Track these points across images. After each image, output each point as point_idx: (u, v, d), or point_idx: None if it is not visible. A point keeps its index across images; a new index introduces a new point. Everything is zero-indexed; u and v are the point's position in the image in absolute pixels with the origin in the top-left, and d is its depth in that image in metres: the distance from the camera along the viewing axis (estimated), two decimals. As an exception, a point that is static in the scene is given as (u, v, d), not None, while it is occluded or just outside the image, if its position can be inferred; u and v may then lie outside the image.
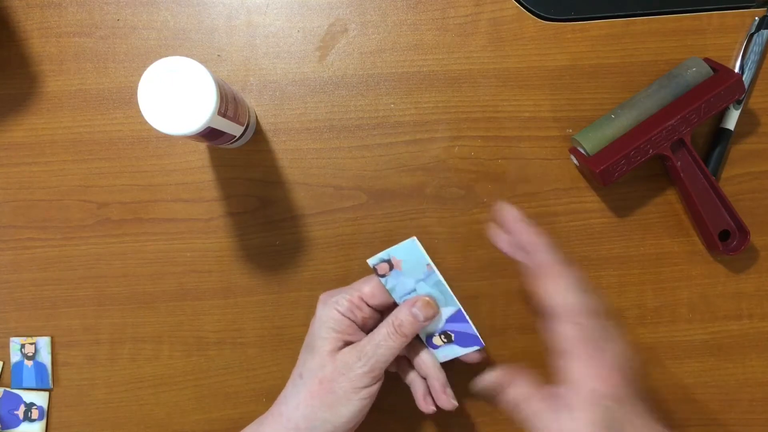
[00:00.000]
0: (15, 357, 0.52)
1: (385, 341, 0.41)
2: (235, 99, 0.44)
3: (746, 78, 0.51)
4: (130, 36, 0.52)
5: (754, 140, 0.52)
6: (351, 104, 0.52)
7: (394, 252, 0.41)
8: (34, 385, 0.52)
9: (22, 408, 0.52)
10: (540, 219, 0.52)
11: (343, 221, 0.52)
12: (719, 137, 0.52)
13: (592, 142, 0.49)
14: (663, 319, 0.53)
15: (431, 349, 0.45)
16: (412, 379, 0.46)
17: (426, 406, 0.45)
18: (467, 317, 0.43)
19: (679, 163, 0.50)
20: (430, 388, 0.45)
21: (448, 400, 0.44)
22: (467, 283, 0.52)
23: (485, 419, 0.52)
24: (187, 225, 0.52)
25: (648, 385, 0.53)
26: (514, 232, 0.42)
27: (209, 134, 0.42)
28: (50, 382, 0.52)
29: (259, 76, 0.52)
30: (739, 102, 0.51)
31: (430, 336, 0.45)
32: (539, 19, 0.52)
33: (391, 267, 0.42)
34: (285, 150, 0.52)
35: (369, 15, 0.52)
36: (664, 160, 0.50)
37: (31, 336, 0.52)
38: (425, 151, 0.52)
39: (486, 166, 0.52)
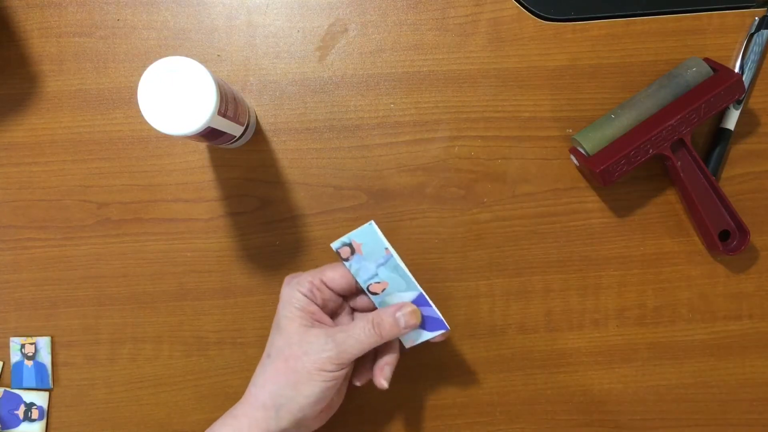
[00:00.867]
0: (15, 357, 0.52)
1: (358, 334, 0.41)
2: (235, 99, 0.44)
3: (746, 78, 0.51)
4: (130, 36, 0.52)
5: (754, 140, 0.52)
6: (351, 104, 0.52)
7: (354, 236, 0.42)
8: (34, 385, 0.52)
9: (22, 408, 0.52)
10: (540, 219, 0.52)
11: (343, 221, 0.52)
12: (719, 137, 0.52)
13: (592, 142, 0.49)
14: (663, 319, 0.53)
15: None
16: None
17: (377, 379, 0.45)
18: (430, 301, 0.43)
19: (679, 163, 0.50)
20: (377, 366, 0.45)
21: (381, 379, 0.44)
22: (467, 283, 0.52)
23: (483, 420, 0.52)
24: (187, 225, 0.52)
25: (648, 385, 0.53)
26: None
27: (209, 134, 0.42)
28: (50, 382, 0.52)
29: (259, 76, 0.52)
30: (739, 102, 0.51)
31: None
32: (539, 19, 0.52)
33: (353, 251, 0.43)
34: (285, 150, 0.52)
35: (369, 15, 0.52)
36: (664, 160, 0.50)
37: (31, 336, 0.52)
38: (425, 151, 0.52)
39: (486, 166, 0.52)
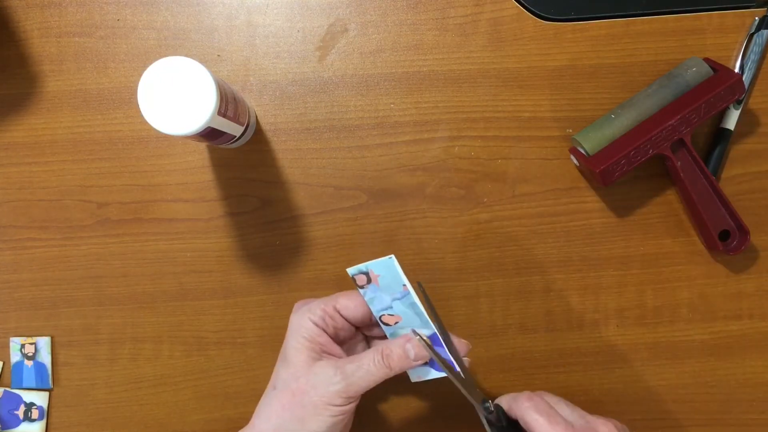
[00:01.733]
0: (15, 357, 0.52)
1: (367, 366, 0.40)
2: (235, 99, 0.44)
3: (746, 78, 0.51)
4: (130, 36, 0.52)
5: (754, 140, 0.52)
6: (351, 104, 0.52)
7: (373, 266, 0.40)
8: (34, 385, 0.52)
9: (22, 408, 0.52)
10: (540, 219, 0.52)
11: (343, 221, 0.52)
12: (719, 137, 0.52)
13: (592, 142, 0.49)
14: (663, 319, 0.53)
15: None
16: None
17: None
18: (443, 342, 0.41)
19: (679, 163, 0.50)
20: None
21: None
22: (467, 283, 0.52)
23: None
24: (187, 225, 0.52)
25: (648, 385, 0.53)
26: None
27: (209, 134, 0.42)
28: (50, 382, 0.52)
29: (259, 76, 0.52)
30: (739, 102, 0.51)
31: None
32: (539, 19, 0.52)
33: (369, 280, 0.41)
34: (285, 150, 0.52)
35: (369, 15, 0.52)
36: (664, 160, 0.50)
37: (31, 336, 0.52)
38: (425, 151, 0.52)
39: (486, 166, 0.52)
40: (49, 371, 0.52)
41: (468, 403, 0.42)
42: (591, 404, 0.52)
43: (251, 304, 0.52)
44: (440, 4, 0.52)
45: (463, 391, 0.41)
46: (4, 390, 0.52)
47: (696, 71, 0.49)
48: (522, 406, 0.40)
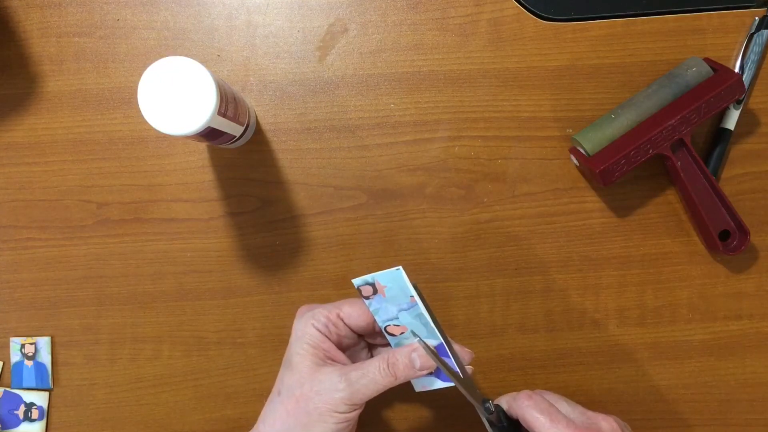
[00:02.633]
0: (15, 357, 0.52)
1: (372, 374, 0.39)
2: (235, 99, 0.44)
3: (746, 78, 0.51)
4: (130, 36, 0.52)
5: (754, 140, 0.52)
6: (351, 104, 0.52)
7: (379, 277, 0.40)
8: (34, 385, 0.52)
9: (22, 408, 0.52)
10: (540, 219, 0.52)
11: (343, 221, 0.52)
12: (719, 137, 0.52)
13: (592, 142, 0.49)
14: (663, 319, 0.53)
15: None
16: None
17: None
18: (449, 352, 0.41)
19: (679, 163, 0.50)
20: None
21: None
22: (467, 283, 0.52)
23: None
24: (187, 225, 0.52)
25: (648, 385, 0.53)
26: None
27: (209, 134, 0.42)
28: (50, 382, 0.52)
29: (259, 76, 0.52)
30: (739, 102, 0.51)
31: None
32: (539, 19, 0.52)
33: (375, 291, 0.41)
34: (285, 150, 0.52)
35: (369, 15, 0.52)
36: (664, 160, 0.50)
37: (31, 336, 0.52)
38: (425, 151, 0.52)
39: (486, 166, 0.52)
40: (49, 371, 0.52)
41: (467, 403, 0.42)
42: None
43: (251, 304, 0.52)
44: (440, 4, 0.52)
45: (464, 392, 0.41)
46: (4, 390, 0.52)
47: (696, 71, 0.49)
48: (522, 405, 0.40)
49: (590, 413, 0.41)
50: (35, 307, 0.52)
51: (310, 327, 0.41)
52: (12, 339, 0.52)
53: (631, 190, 0.52)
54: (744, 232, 0.50)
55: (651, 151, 0.48)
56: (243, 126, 0.48)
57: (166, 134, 0.39)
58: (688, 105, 0.48)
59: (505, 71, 0.52)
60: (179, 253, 0.52)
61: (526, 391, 0.41)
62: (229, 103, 0.42)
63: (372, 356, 0.46)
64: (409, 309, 0.41)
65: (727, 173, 0.52)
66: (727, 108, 0.51)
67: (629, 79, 0.52)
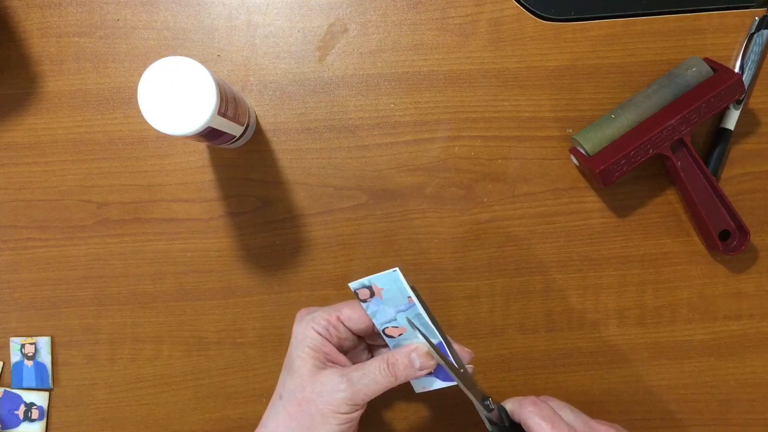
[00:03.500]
0: (15, 357, 0.52)
1: (373, 374, 0.40)
2: (235, 99, 0.44)
3: (746, 78, 0.51)
4: (130, 36, 0.52)
5: (754, 140, 0.52)
6: (351, 104, 0.52)
7: (376, 280, 0.40)
8: (34, 385, 0.52)
9: (22, 408, 0.52)
10: (540, 219, 0.52)
11: (343, 221, 0.52)
12: (719, 137, 0.52)
13: (592, 142, 0.49)
14: (663, 319, 0.53)
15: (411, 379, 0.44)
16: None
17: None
18: (448, 351, 0.41)
19: (679, 163, 0.50)
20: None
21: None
22: (467, 283, 0.52)
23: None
24: (187, 225, 0.52)
25: (648, 385, 0.53)
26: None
27: (209, 134, 0.42)
28: (50, 382, 0.52)
29: (259, 76, 0.52)
30: (739, 102, 0.51)
31: None
32: (539, 19, 0.52)
33: (372, 294, 0.41)
34: (285, 150, 0.52)
35: (369, 15, 0.52)
36: (664, 160, 0.50)
37: (31, 336, 0.52)
38: (425, 151, 0.52)
39: (486, 166, 0.52)
40: (49, 371, 0.52)
41: (467, 402, 0.42)
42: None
43: (251, 304, 0.52)
44: (440, 4, 0.52)
45: (464, 388, 0.41)
46: (4, 390, 0.52)
47: (696, 71, 0.49)
48: (526, 410, 0.40)
49: (593, 422, 0.41)
50: (35, 307, 0.52)
51: (310, 330, 0.41)
52: (12, 339, 0.52)
53: (631, 190, 0.52)
54: (744, 232, 0.50)
55: (651, 151, 0.48)
56: (243, 126, 0.48)
57: (166, 134, 0.39)
58: (688, 105, 0.48)
59: (505, 71, 0.52)
60: (179, 253, 0.52)
61: (532, 397, 0.41)
62: (229, 103, 0.42)
63: (372, 357, 0.46)
64: (407, 310, 0.41)
65: (727, 173, 0.52)
66: (727, 108, 0.51)
67: (629, 79, 0.52)
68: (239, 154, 0.52)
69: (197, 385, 0.52)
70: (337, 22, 0.52)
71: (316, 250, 0.52)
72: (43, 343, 0.52)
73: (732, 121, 0.51)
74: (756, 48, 0.51)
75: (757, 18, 0.52)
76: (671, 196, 0.52)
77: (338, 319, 0.42)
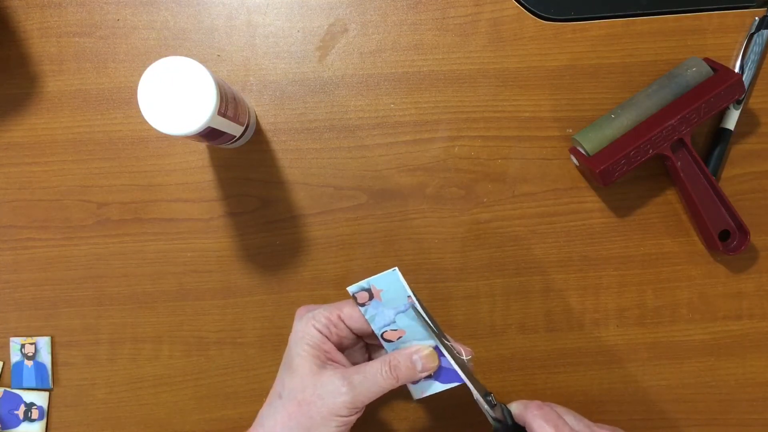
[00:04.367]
0: (15, 357, 0.52)
1: (374, 377, 0.39)
2: (235, 99, 0.44)
3: (746, 78, 0.51)
4: (130, 36, 0.52)
5: (754, 140, 0.52)
6: (351, 104, 0.52)
7: (375, 281, 0.40)
8: (34, 385, 0.52)
9: (22, 408, 0.52)
10: (540, 219, 0.52)
11: (343, 221, 0.52)
12: (719, 137, 0.52)
13: (592, 142, 0.49)
14: (663, 319, 0.53)
15: (410, 385, 0.44)
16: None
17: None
18: (446, 354, 0.41)
19: (679, 163, 0.50)
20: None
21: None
22: (467, 283, 0.52)
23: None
24: (187, 225, 0.52)
25: (648, 385, 0.53)
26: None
27: (209, 134, 0.42)
28: (50, 382, 0.52)
29: (259, 76, 0.52)
30: (739, 102, 0.51)
31: None
32: (539, 19, 0.52)
33: (371, 296, 0.40)
34: (285, 150, 0.52)
35: (369, 15, 0.52)
36: (664, 160, 0.50)
37: (31, 336, 0.52)
38: (425, 151, 0.52)
39: (486, 166, 0.52)
40: (49, 371, 0.52)
41: (467, 402, 0.42)
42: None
43: (251, 304, 0.52)
44: (440, 4, 0.52)
45: (467, 382, 0.41)
46: (4, 390, 0.52)
47: (696, 71, 0.49)
48: (531, 413, 0.40)
49: (595, 427, 0.41)
50: (35, 307, 0.52)
51: (310, 328, 0.41)
52: (12, 339, 0.52)
53: (631, 190, 0.52)
54: (744, 232, 0.50)
55: (651, 151, 0.48)
56: (243, 126, 0.48)
57: (166, 134, 0.39)
58: (688, 105, 0.48)
59: (505, 71, 0.52)
60: (179, 253, 0.52)
61: (537, 402, 0.42)
62: (229, 103, 0.42)
63: (369, 356, 0.46)
64: (406, 310, 0.41)
65: (727, 173, 0.52)
66: (727, 108, 0.51)
67: (629, 79, 0.52)
68: (239, 154, 0.52)
69: (197, 385, 0.52)
70: (337, 22, 0.52)
71: (316, 250, 0.52)
72: (43, 343, 0.52)
73: (732, 121, 0.51)
74: (756, 48, 0.51)
75: (757, 18, 0.52)
76: (671, 196, 0.52)
77: (339, 317, 0.42)
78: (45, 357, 0.52)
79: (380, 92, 0.52)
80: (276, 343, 0.52)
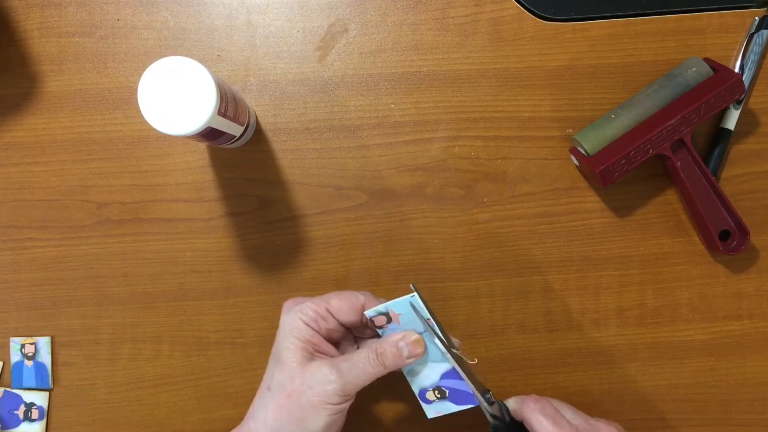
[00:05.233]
0: (15, 357, 0.52)
1: (362, 364, 0.40)
2: (235, 99, 0.44)
3: (746, 78, 0.51)
4: (130, 36, 0.52)
5: (754, 140, 0.52)
6: (351, 104, 0.52)
7: (393, 306, 0.40)
8: (34, 385, 0.52)
9: (22, 408, 0.52)
10: (540, 219, 0.52)
11: (343, 221, 0.52)
12: (719, 137, 0.52)
13: (592, 142, 0.49)
14: (663, 319, 0.53)
15: (423, 403, 0.44)
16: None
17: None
18: (463, 375, 0.41)
19: (679, 163, 0.50)
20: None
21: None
22: (467, 283, 0.52)
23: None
24: (187, 225, 0.52)
25: (649, 385, 0.53)
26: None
27: (209, 134, 0.42)
28: (50, 382, 0.52)
29: (259, 76, 0.52)
30: (739, 102, 0.51)
31: (423, 390, 0.44)
32: (539, 19, 0.52)
33: (389, 320, 0.41)
34: (285, 150, 0.52)
35: (369, 15, 0.52)
36: (664, 160, 0.50)
37: (31, 336, 0.52)
38: (425, 151, 0.52)
39: (486, 166, 0.52)
40: (49, 371, 0.52)
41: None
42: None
43: (251, 304, 0.52)
44: (440, 4, 0.52)
45: (466, 379, 0.41)
46: (4, 390, 0.52)
47: (696, 71, 0.49)
48: (528, 407, 0.40)
49: (593, 420, 0.41)
50: (35, 307, 0.52)
51: (298, 321, 0.41)
52: (12, 339, 0.52)
53: (631, 190, 0.52)
54: (744, 232, 0.50)
55: (651, 151, 0.48)
56: (243, 126, 0.48)
57: (166, 134, 0.39)
58: (688, 105, 0.48)
59: (505, 71, 0.52)
60: (179, 253, 0.52)
61: (534, 396, 0.42)
62: (229, 103, 0.42)
63: (359, 347, 0.46)
64: (423, 333, 0.41)
65: (727, 173, 0.52)
66: (727, 108, 0.51)
67: (629, 79, 0.52)
68: (239, 154, 0.52)
69: (197, 385, 0.52)
70: (337, 22, 0.52)
71: (316, 250, 0.52)
72: (43, 343, 0.52)
73: (732, 121, 0.51)
74: (756, 48, 0.51)
75: (757, 18, 0.52)
76: (671, 196, 0.52)
77: (327, 310, 0.41)
78: (45, 357, 0.52)
79: (380, 92, 0.52)
80: (276, 343, 0.52)
